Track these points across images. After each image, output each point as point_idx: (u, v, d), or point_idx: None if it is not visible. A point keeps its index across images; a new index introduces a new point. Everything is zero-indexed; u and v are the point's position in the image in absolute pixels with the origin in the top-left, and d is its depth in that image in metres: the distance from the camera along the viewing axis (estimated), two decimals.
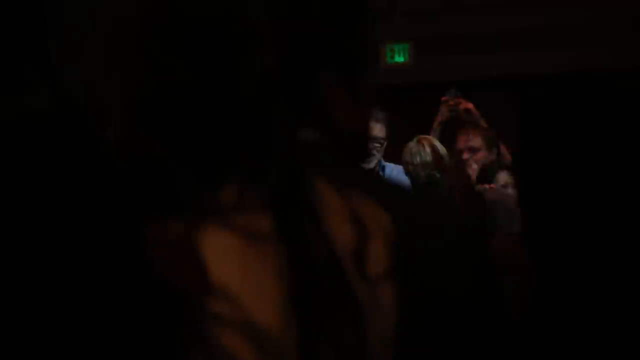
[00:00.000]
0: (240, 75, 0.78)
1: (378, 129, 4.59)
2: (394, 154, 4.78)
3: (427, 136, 4.50)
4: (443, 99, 5.05)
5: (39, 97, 0.74)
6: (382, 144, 4.66)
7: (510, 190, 3.78)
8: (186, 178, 0.75)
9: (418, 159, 4.25)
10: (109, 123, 0.74)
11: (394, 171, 4.67)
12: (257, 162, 0.79)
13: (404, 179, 4.33)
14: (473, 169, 4.39)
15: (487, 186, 4.11)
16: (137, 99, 0.75)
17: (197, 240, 0.73)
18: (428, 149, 4.26)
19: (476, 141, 4.54)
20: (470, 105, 4.91)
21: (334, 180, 0.86)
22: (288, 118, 0.83)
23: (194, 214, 0.74)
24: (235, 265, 0.75)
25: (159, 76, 0.76)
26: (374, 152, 4.62)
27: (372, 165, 4.62)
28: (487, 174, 4.24)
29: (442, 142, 4.52)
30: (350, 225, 0.83)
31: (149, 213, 0.73)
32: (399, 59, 8.01)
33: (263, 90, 0.80)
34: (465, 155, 4.46)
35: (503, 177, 4.08)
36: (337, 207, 0.84)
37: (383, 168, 4.79)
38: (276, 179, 0.79)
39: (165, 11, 0.76)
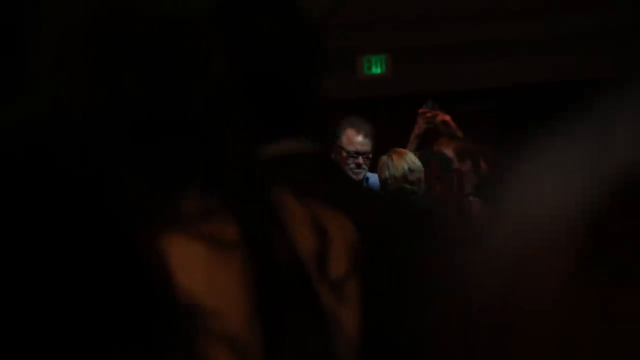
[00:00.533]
0: (191, 84, 0.79)
1: (366, 144, 4.61)
2: (370, 165, 4.79)
3: (400, 150, 4.50)
4: (420, 111, 5.05)
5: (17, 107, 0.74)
6: (369, 158, 4.70)
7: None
8: (144, 188, 0.75)
9: (387, 173, 4.29)
10: (66, 135, 0.74)
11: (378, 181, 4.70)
12: (214, 171, 0.80)
13: None
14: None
15: (471, 198, 4.14)
16: (90, 110, 0.75)
17: (162, 249, 0.74)
18: (397, 164, 4.28)
19: (447, 152, 4.56)
20: (447, 117, 4.91)
21: (298, 190, 0.87)
22: (245, 126, 0.84)
23: (157, 224, 0.75)
24: (201, 273, 0.76)
25: (110, 87, 0.76)
26: (364, 166, 4.65)
27: (360, 177, 4.64)
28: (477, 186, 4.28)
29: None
30: (313, 233, 0.85)
31: (111, 225, 0.73)
32: (376, 70, 8.02)
33: (215, 98, 0.81)
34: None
35: None
36: (300, 215, 0.86)
37: (367, 179, 4.82)
38: (233, 187, 0.80)
39: (115, 27, 0.77)
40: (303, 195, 0.88)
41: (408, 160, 4.31)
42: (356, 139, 4.54)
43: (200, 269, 0.76)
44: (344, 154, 4.48)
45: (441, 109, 5.06)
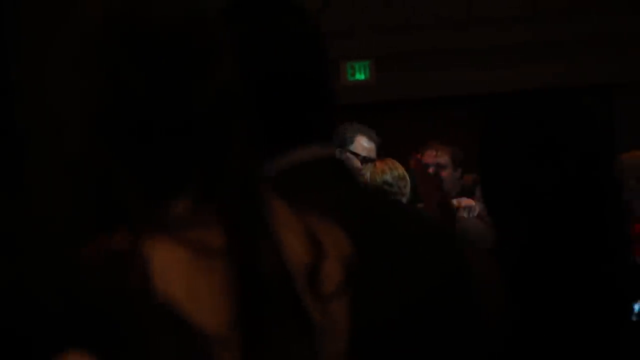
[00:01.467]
0: (193, 87, 0.79)
1: (375, 150, 4.59)
2: None
3: (380, 162, 4.48)
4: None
5: None
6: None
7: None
8: (138, 191, 0.75)
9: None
10: (67, 135, 0.75)
11: None
12: (208, 177, 0.80)
13: None
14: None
15: (463, 201, 4.13)
16: (95, 112, 0.75)
17: (144, 251, 0.73)
18: (379, 174, 4.26)
19: (444, 159, 4.56)
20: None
21: (295, 201, 0.87)
22: (247, 132, 0.83)
23: (144, 226, 0.75)
24: (181, 278, 0.76)
25: (118, 89, 0.76)
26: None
27: None
28: (471, 189, 4.28)
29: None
30: (306, 245, 0.85)
31: (97, 223, 0.73)
32: (360, 76, 8.01)
33: (217, 103, 0.81)
34: (431, 171, 4.46)
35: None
36: (294, 227, 0.86)
37: None
38: (224, 194, 0.80)
39: (126, 26, 0.77)
40: (300, 206, 0.88)
41: (388, 170, 4.29)
42: (368, 145, 4.52)
43: (181, 275, 0.76)
44: (358, 161, 4.45)
45: (426, 115, 5.05)
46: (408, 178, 4.27)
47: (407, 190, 4.27)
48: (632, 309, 1.49)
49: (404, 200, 4.18)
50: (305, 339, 0.81)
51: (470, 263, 1.21)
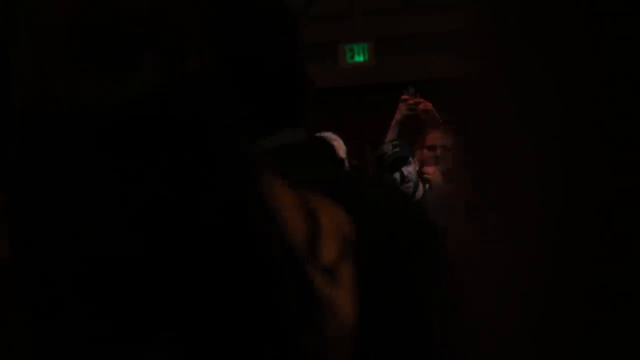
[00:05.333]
0: (169, 78, 0.78)
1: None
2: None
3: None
4: (402, 97, 5.03)
5: None
6: None
7: None
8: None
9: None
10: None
11: None
12: (204, 162, 0.80)
13: None
14: (437, 168, 4.36)
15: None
16: (70, 105, 0.75)
17: None
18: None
19: (449, 139, 4.53)
20: (430, 106, 4.88)
21: (292, 180, 0.88)
22: (235, 115, 0.83)
23: None
24: None
25: (89, 81, 0.75)
26: None
27: None
28: None
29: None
30: (305, 221, 0.86)
31: None
32: (359, 58, 8.01)
33: (198, 88, 0.80)
34: (438, 153, 4.42)
35: None
36: (293, 204, 0.86)
37: None
38: (224, 180, 0.80)
39: (93, 18, 0.77)
40: (297, 184, 0.88)
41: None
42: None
43: None
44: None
45: (425, 97, 5.05)
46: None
47: None
48: None
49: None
50: (312, 314, 0.82)
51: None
